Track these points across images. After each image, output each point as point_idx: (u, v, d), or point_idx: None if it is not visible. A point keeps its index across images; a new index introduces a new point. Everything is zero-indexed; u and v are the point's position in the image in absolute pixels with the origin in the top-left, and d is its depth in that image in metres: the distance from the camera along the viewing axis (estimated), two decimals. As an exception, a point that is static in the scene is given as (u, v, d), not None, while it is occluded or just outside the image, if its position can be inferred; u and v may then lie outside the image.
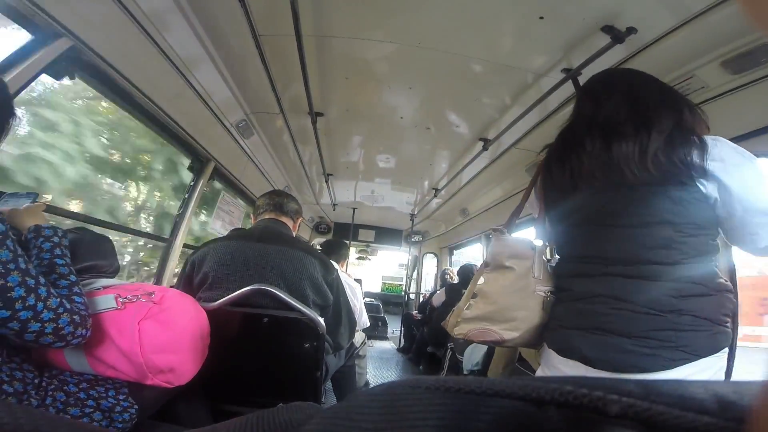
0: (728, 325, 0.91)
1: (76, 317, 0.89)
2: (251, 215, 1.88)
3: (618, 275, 0.96)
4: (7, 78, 1.21)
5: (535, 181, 1.22)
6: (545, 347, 1.10)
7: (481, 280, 1.13)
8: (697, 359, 0.87)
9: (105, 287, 1.13)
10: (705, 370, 0.88)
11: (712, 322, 0.89)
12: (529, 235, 1.24)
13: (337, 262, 2.89)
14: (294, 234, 1.84)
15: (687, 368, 0.87)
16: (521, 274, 1.09)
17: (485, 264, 1.15)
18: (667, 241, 0.92)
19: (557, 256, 1.18)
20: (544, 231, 1.18)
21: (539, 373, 1.17)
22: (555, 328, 1.06)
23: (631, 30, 1.46)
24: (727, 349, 0.91)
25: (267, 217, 1.78)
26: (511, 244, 1.13)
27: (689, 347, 0.87)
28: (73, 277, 0.97)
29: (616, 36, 1.48)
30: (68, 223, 1.76)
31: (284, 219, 1.79)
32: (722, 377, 0.93)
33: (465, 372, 2.85)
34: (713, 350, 0.88)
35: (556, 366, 1.05)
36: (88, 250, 1.27)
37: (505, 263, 1.10)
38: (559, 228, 1.13)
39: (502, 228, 1.17)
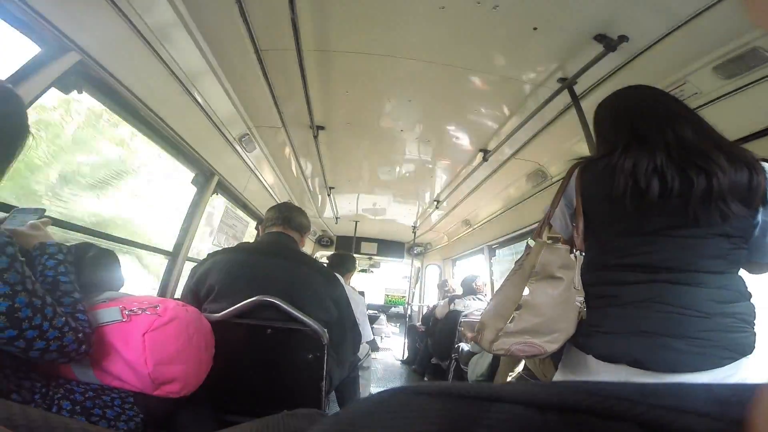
0: (756, 327, 0.98)
1: (80, 335, 0.91)
2: (257, 228, 1.88)
3: (665, 282, 0.98)
4: (18, 92, 1.24)
5: (562, 191, 1.21)
6: (574, 353, 1.09)
7: (526, 291, 1.10)
8: (741, 357, 0.93)
9: (110, 300, 1.14)
10: (747, 368, 0.94)
11: (748, 324, 0.96)
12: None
13: (343, 276, 2.89)
14: (301, 248, 1.85)
15: (734, 366, 0.93)
16: (568, 285, 1.08)
17: (531, 273, 1.13)
18: (721, 252, 0.98)
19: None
20: (582, 241, 1.16)
21: (559, 377, 1.16)
22: (590, 333, 1.05)
23: (623, 38, 1.49)
24: (755, 350, 0.96)
25: (274, 230, 1.77)
26: (563, 254, 1.12)
27: (736, 347, 0.93)
28: (77, 295, 0.98)
29: (609, 44, 1.51)
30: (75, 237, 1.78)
31: (291, 233, 1.79)
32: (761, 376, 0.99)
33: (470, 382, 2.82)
34: (752, 349, 0.95)
35: (595, 371, 1.04)
36: (93, 265, 1.28)
37: (556, 273, 1.09)
38: (601, 237, 1.12)
39: (555, 237, 1.16)
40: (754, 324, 0.97)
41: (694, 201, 0.96)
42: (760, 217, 0.98)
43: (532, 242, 1.23)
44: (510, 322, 1.09)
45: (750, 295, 0.99)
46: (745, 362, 0.93)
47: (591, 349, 1.05)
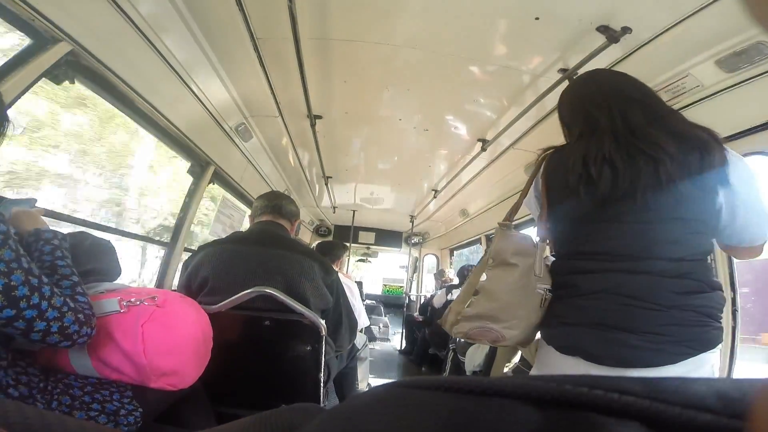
0: (722, 321, 0.95)
1: (80, 316, 0.89)
2: (249, 218, 1.87)
3: (623, 271, 0.96)
4: (7, 83, 1.21)
5: (533, 180, 1.21)
6: (543, 345, 1.10)
7: (483, 277, 1.11)
8: (697, 354, 0.91)
9: (108, 291, 1.13)
10: (704, 365, 0.92)
11: (711, 318, 0.93)
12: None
13: (332, 263, 2.89)
14: (292, 236, 1.84)
15: (689, 363, 0.90)
16: (524, 272, 1.07)
17: (488, 260, 1.13)
18: (677, 237, 0.95)
19: (552, 254, 1.18)
20: (545, 229, 1.16)
21: (534, 371, 1.17)
22: (554, 325, 1.05)
23: (625, 30, 1.47)
24: (720, 345, 0.94)
25: (264, 219, 1.75)
26: (517, 241, 1.12)
27: (692, 342, 0.90)
28: (75, 278, 0.97)
29: (611, 36, 1.49)
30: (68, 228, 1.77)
31: (282, 221, 1.77)
32: (717, 373, 0.97)
33: (467, 373, 2.85)
34: (712, 345, 0.92)
35: (554, 364, 1.05)
36: (88, 255, 1.28)
37: (510, 260, 1.08)
38: (561, 225, 1.12)
39: (508, 223, 1.15)
40: (719, 317, 0.94)
41: (642, 188, 0.94)
42: (722, 199, 0.94)
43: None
44: (467, 306, 1.10)
45: (716, 285, 0.96)
46: (704, 357, 0.91)
47: (551, 340, 1.06)
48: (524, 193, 1.23)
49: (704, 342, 0.92)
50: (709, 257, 0.98)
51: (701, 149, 0.93)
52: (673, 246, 0.95)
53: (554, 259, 1.14)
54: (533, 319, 1.07)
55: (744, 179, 0.94)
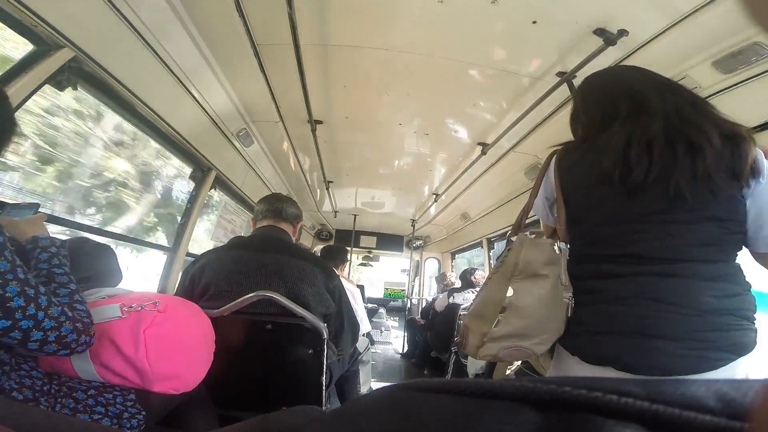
0: (756, 322, 0.91)
1: (78, 325, 0.89)
2: (251, 222, 1.87)
3: (654, 274, 0.91)
4: (11, 89, 1.22)
5: (541, 180, 1.14)
6: (563, 356, 1.02)
7: (510, 292, 1.01)
8: (737, 358, 0.86)
9: (109, 296, 1.14)
10: (745, 367, 0.88)
11: (748, 321, 0.89)
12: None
13: (336, 268, 2.89)
14: (294, 239, 1.84)
15: (730, 368, 0.86)
16: (555, 283, 1.00)
17: (514, 272, 1.03)
18: (714, 239, 0.90)
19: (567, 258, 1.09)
20: (565, 232, 1.08)
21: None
22: (579, 334, 0.98)
23: (622, 32, 1.48)
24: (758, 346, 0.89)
25: (266, 224, 1.75)
26: (548, 250, 1.03)
27: (732, 347, 0.86)
28: (73, 286, 0.97)
29: (608, 38, 1.50)
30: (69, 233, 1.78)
31: (283, 225, 1.76)
32: (753, 376, 0.89)
33: (470, 376, 2.84)
34: (750, 348, 0.88)
35: (577, 374, 0.96)
36: (89, 260, 1.28)
37: (541, 271, 1.01)
38: (584, 227, 1.04)
39: (540, 231, 1.08)
40: (754, 319, 0.90)
41: (676, 179, 0.88)
42: (749, 201, 0.89)
43: (513, 237, 1.14)
44: (495, 326, 1.00)
45: (749, 286, 0.91)
46: (742, 362, 0.87)
47: (577, 350, 0.98)
48: (533, 195, 1.16)
49: (743, 346, 0.87)
50: (738, 257, 0.94)
51: (735, 139, 0.88)
52: (709, 248, 0.90)
53: (571, 263, 1.05)
54: (561, 330, 1.00)
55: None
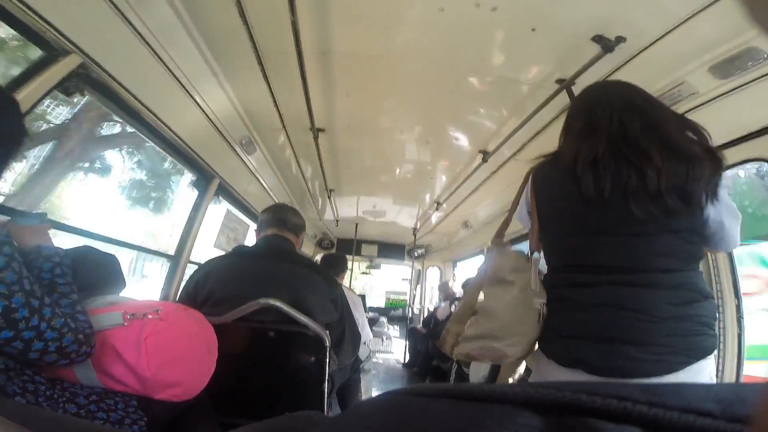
0: (716, 329, 0.98)
1: (80, 336, 0.90)
2: (255, 231, 1.87)
3: (619, 284, 0.97)
4: (20, 94, 1.23)
5: (521, 193, 1.22)
6: (541, 358, 1.09)
7: (481, 296, 1.10)
8: (695, 362, 0.92)
9: (111, 304, 1.14)
10: (702, 371, 0.94)
11: (706, 326, 0.95)
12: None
13: (336, 276, 2.88)
14: (297, 249, 1.84)
15: (688, 371, 0.92)
16: (522, 288, 1.06)
17: (486, 279, 1.12)
18: (673, 249, 0.96)
19: (544, 267, 1.16)
20: (537, 242, 1.16)
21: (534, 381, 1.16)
22: (552, 338, 1.05)
23: (620, 39, 1.49)
24: (716, 351, 0.97)
25: (270, 233, 1.75)
26: (513, 257, 1.11)
27: (690, 351, 0.92)
28: (74, 296, 0.97)
29: (606, 45, 1.52)
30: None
31: (287, 235, 1.77)
32: (714, 379, 1.00)
33: (472, 385, 2.81)
34: (708, 353, 0.94)
35: (555, 377, 1.04)
36: (92, 268, 1.28)
37: (507, 277, 1.08)
38: (554, 238, 1.12)
39: (503, 241, 1.15)
40: (713, 325, 0.97)
41: (631, 196, 0.95)
42: (709, 211, 0.95)
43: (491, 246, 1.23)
44: (467, 327, 1.08)
45: (708, 294, 0.98)
46: (702, 365, 0.93)
47: (552, 354, 1.05)
48: (513, 207, 1.24)
49: (702, 350, 0.94)
50: (700, 264, 1.00)
51: (689, 164, 0.93)
52: (666, 258, 0.96)
53: (547, 272, 1.13)
54: (533, 334, 1.06)
55: (727, 188, 0.97)
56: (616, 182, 0.96)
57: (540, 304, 1.05)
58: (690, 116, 1.62)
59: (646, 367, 0.92)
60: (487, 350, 1.06)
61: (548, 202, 1.12)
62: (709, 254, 1.68)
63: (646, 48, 1.54)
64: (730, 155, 1.60)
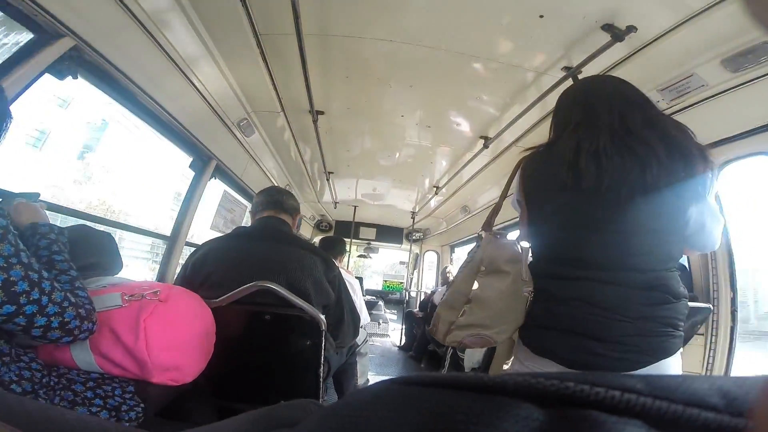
0: (682, 329, 1.00)
1: (81, 311, 0.89)
2: (250, 213, 1.87)
3: (594, 280, 0.99)
4: (11, 78, 1.21)
5: (510, 184, 1.23)
6: (519, 344, 1.12)
7: (475, 286, 1.11)
8: (657, 361, 0.96)
9: (110, 285, 1.13)
10: (667, 369, 0.97)
11: (673, 328, 0.97)
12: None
13: (335, 258, 2.89)
14: (294, 230, 1.84)
15: (651, 369, 0.96)
16: (515, 278, 1.08)
17: (480, 267, 1.13)
18: (649, 248, 0.98)
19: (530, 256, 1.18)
20: (527, 232, 1.17)
21: (512, 366, 1.19)
22: (530, 326, 1.07)
23: (630, 28, 1.46)
24: (681, 350, 1.00)
25: (266, 214, 1.75)
26: (510, 247, 1.12)
27: (653, 351, 0.95)
28: (73, 272, 0.97)
29: (616, 34, 1.49)
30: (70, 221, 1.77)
31: (283, 216, 1.76)
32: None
33: (466, 370, 2.86)
34: (671, 353, 0.97)
35: (530, 362, 1.07)
36: (89, 248, 1.27)
37: (503, 268, 1.09)
38: (541, 229, 1.13)
39: (502, 231, 1.15)
40: (680, 326, 0.99)
41: (628, 188, 0.96)
42: (693, 209, 0.97)
43: (482, 234, 1.24)
44: (461, 316, 1.10)
45: (681, 294, 1.00)
46: (664, 363, 0.96)
47: (527, 341, 1.08)
48: (502, 196, 1.25)
49: (664, 350, 0.96)
50: (676, 267, 1.02)
51: (685, 161, 0.95)
52: (644, 257, 0.98)
53: (532, 261, 1.14)
54: (520, 321, 1.08)
55: (712, 189, 1.00)
56: (617, 175, 0.97)
57: (528, 292, 1.07)
58: (698, 108, 1.62)
59: (608, 364, 0.95)
60: (479, 338, 1.09)
61: (540, 194, 1.12)
62: None
63: (657, 39, 1.51)
64: (737, 148, 1.60)
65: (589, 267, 1.00)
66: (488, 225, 1.26)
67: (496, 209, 1.28)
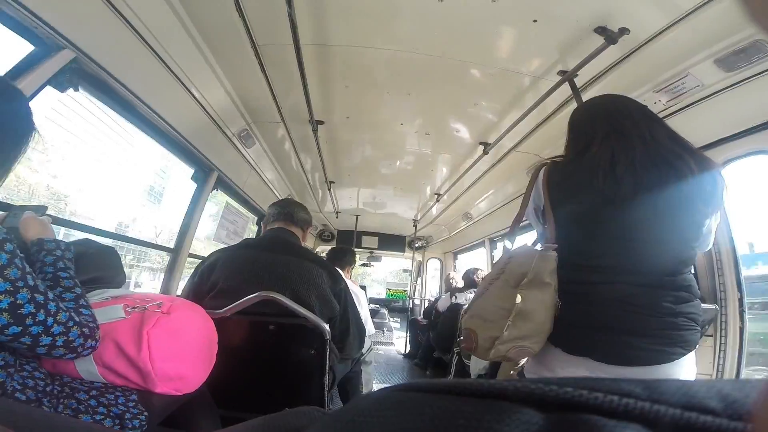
0: (699, 324, 1.09)
1: (85, 329, 0.90)
2: (261, 224, 1.89)
3: (628, 284, 1.06)
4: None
5: (530, 193, 1.26)
6: (548, 346, 1.12)
7: (518, 299, 1.11)
8: (688, 352, 1.05)
9: (113, 297, 1.14)
10: (691, 362, 1.07)
11: (695, 323, 1.06)
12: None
13: (342, 269, 2.89)
14: (303, 243, 1.85)
15: (682, 361, 1.04)
16: (555, 288, 1.10)
17: (523, 281, 1.14)
18: (678, 254, 1.07)
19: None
20: (554, 239, 1.18)
21: (536, 371, 1.19)
22: (561, 328, 1.10)
23: (623, 30, 1.47)
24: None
25: (276, 226, 1.78)
26: (553, 260, 1.13)
27: (684, 343, 1.04)
28: (78, 290, 0.97)
29: (609, 37, 1.49)
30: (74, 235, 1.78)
31: (293, 229, 1.80)
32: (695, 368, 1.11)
33: (473, 377, 2.83)
34: (695, 345, 1.06)
35: (560, 364, 1.11)
36: (93, 262, 1.28)
37: (545, 279, 1.11)
38: (570, 237, 1.15)
39: (554, 245, 1.16)
40: (699, 321, 1.08)
41: (664, 197, 1.03)
42: (710, 219, 1.07)
43: (509, 243, 1.28)
44: (506, 330, 1.10)
45: (698, 293, 1.10)
46: (689, 356, 1.05)
47: (560, 343, 1.12)
48: (524, 205, 1.29)
49: (691, 342, 1.05)
50: (692, 265, 1.12)
51: (711, 173, 1.04)
52: (673, 262, 1.07)
53: (558, 265, 1.14)
54: (550, 328, 1.10)
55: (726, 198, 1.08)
56: (655, 186, 1.04)
57: (557, 300, 1.10)
58: (694, 109, 1.64)
59: (647, 357, 1.02)
60: (521, 350, 1.10)
61: (567, 203, 1.17)
62: (713, 251, 1.76)
63: (650, 40, 1.52)
64: (734, 148, 1.60)
65: (622, 272, 1.07)
66: (512, 233, 1.30)
67: (519, 217, 1.32)
